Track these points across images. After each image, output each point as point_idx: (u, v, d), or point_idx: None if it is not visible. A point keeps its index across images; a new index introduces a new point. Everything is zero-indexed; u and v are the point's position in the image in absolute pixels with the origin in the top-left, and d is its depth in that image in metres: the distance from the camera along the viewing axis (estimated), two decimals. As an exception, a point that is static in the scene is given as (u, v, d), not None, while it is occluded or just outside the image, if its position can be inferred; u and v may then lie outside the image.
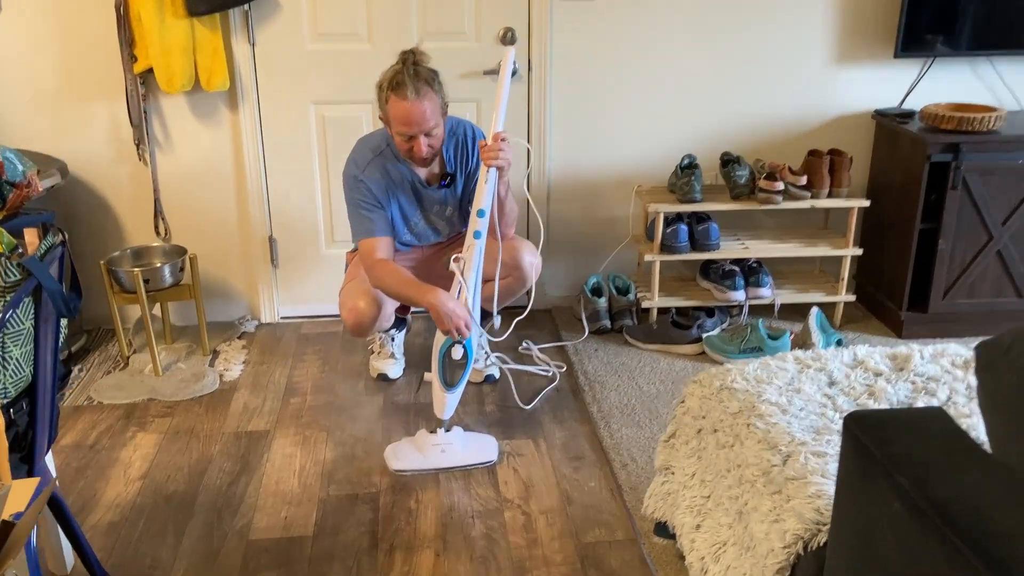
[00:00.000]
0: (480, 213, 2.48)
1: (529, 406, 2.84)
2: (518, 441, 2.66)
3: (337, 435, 2.70)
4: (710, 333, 3.21)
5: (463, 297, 2.48)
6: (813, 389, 1.85)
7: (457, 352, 2.49)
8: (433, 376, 2.53)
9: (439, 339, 2.50)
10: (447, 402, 2.53)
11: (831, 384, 1.88)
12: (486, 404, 2.87)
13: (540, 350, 3.20)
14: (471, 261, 2.49)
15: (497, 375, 3.01)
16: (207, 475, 2.51)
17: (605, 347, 3.23)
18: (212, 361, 3.16)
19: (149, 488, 2.46)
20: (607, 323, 3.31)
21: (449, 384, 2.52)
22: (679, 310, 3.30)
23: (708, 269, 3.39)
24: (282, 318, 3.51)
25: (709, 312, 3.30)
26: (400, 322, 3.01)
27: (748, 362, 1.96)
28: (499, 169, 2.49)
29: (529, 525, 2.29)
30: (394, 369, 3.02)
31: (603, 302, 3.32)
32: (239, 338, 3.34)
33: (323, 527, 2.29)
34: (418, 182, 2.66)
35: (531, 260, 2.75)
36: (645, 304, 3.32)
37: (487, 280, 2.70)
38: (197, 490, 2.44)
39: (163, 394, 2.93)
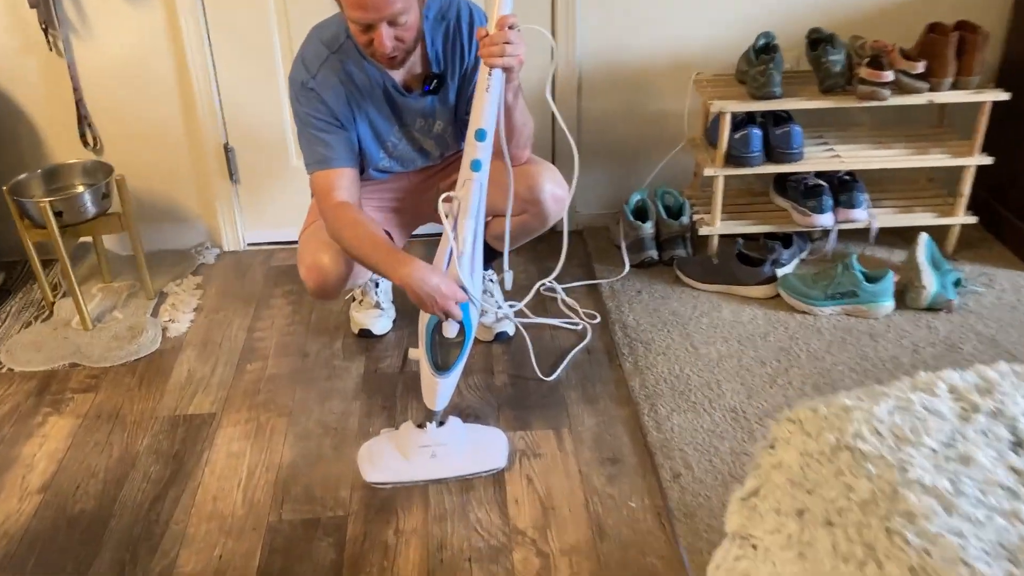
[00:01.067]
0: (479, 135, 1.75)
1: (551, 377, 2.19)
2: (535, 433, 2.02)
3: (301, 422, 2.08)
4: (786, 270, 2.50)
5: (454, 261, 1.79)
6: (990, 456, 1.16)
7: (450, 328, 1.83)
8: (421, 357, 1.88)
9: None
10: (439, 390, 1.89)
11: (1018, 444, 1.18)
12: (496, 374, 2.22)
13: (567, 291, 2.52)
14: (468, 203, 1.78)
15: (511, 332, 2.35)
16: (127, 485, 1.92)
17: (650, 287, 2.53)
18: (156, 308, 2.53)
19: (51, 506, 1.88)
20: (653, 254, 2.60)
21: (441, 368, 1.86)
22: (747, 237, 2.58)
23: (785, 183, 2.64)
24: (249, 245, 2.85)
25: (785, 240, 2.57)
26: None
27: (877, 398, 1.27)
28: (506, 70, 1.75)
29: (547, 573, 1.68)
30: (380, 323, 2.37)
31: (649, 227, 2.60)
32: (194, 273, 2.70)
33: (268, 573, 1.70)
34: (392, 87, 1.92)
35: (554, 191, 2.03)
36: (703, 231, 2.59)
37: (496, 215, 2.01)
38: (111, 509, 1.86)
39: (90, 357, 2.32)
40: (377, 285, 2.37)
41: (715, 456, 1.92)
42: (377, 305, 2.37)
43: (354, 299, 2.41)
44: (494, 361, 2.26)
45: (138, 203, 2.71)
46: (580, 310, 2.44)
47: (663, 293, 2.51)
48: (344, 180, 1.88)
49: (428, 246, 2.78)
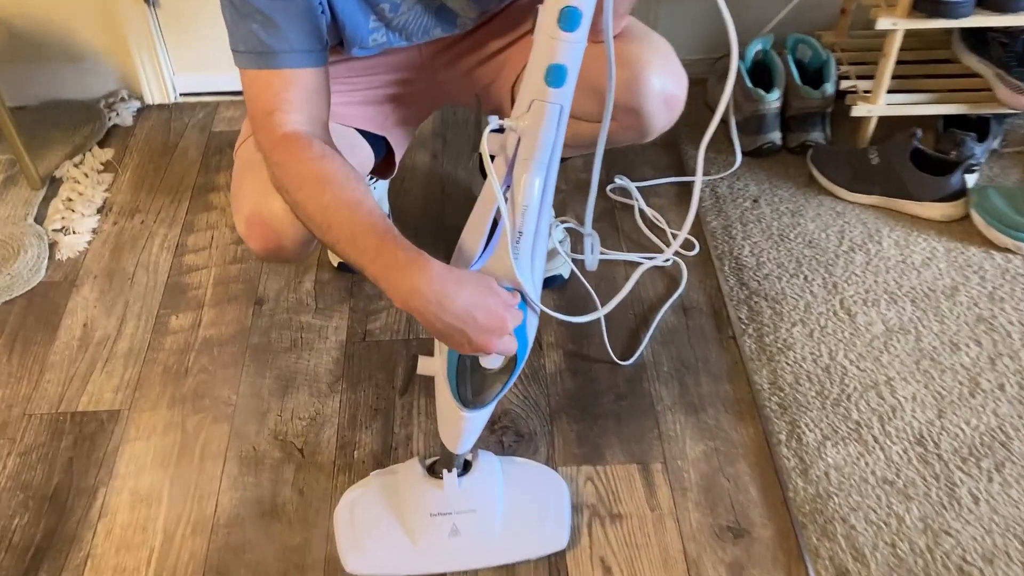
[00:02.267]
0: (568, 19, 0.88)
1: (630, 360, 1.44)
2: (612, 470, 1.30)
3: (248, 434, 1.35)
4: (977, 176, 1.68)
5: (503, 244, 0.98)
6: None
7: (492, 360, 1.05)
8: (438, 376, 1.12)
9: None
10: (465, 428, 1.14)
11: None
12: (546, 350, 1.47)
13: (644, 195, 1.71)
14: (536, 143, 0.95)
15: (566, 274, 1.57)
16: (-25, 555, 1.23)
17: (772, 192, 1.72)
18: (43, 207, 1.72)
19: None
20: (776, 138, 1.76)
21: (471, 403, 1.11)
22: (924, 121, 1.72)
23: (985, 36, 1.74)
24: (181, 96, 1.98)
25: (979, 128, 1.72)
26: (383, 167, 1.49)
27: None
28: None
29: None
30: (370, 253, 1.58)
31: (774, 98, 1.73)
32: (102, 144, 1.86)
33: None
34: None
35: (665, 89, 1.16)
36: (857, 111, 1.72)
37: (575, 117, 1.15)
38: (-54, 604, 1.19)
39: (-62, 295, 1.56)
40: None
41: (900, 535, 1.21)
42: (366, 225, 1.57)
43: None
44: (542, 327, 1.50)
45: (12, 37, 1.82)
46: (668, 230, 1.64)
47: (792, 203, 1.69)
48: (298, 90, 1.02)
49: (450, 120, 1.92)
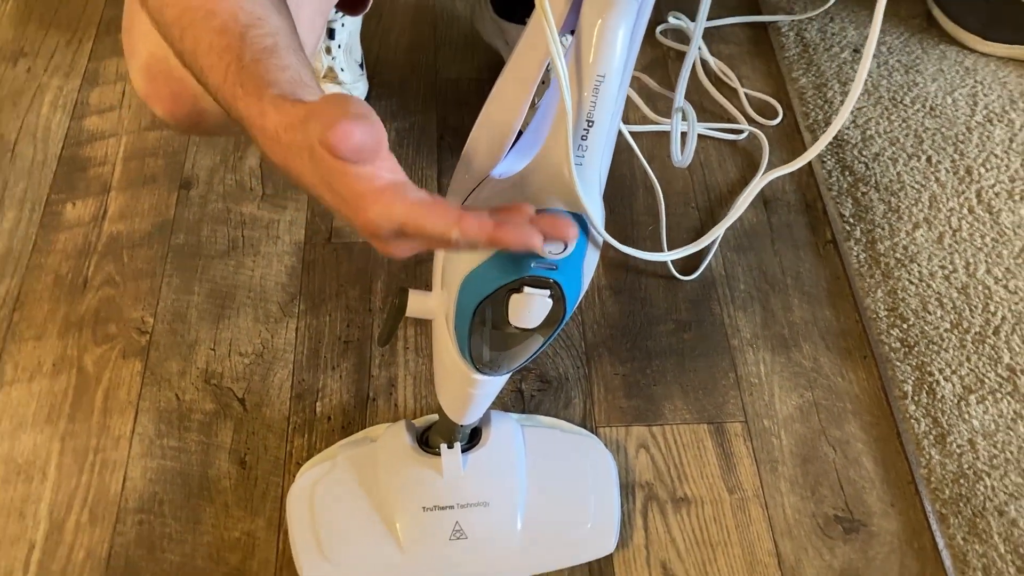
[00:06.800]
0: None
1: (693, 275, 1.05)
2: (674, 433, 0.94)
3: (168, 375, 0.97)
4: None
5: (561, 123, 0.58)
6: None
7: (528, 308, 0.65)
8: (439, 331, 0.73)
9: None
10: (475, 397, 0.76)
11: None
12: (580, 257, 1.08)
13: (708, 40, 1.27)
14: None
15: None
16: None
17: (881, 42, 1.26)
18: None
19: None
20: (883, -37, 1.32)
21: (488, 364, 0.72)
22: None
23: None
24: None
25: None
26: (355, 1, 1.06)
27: None
28: None
29: None
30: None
31: (887, -93, 1.28)
32: (-23, -39, 1.40)
33: None
34: None
35: None
36: (1005, -76, 1.28)
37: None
38: None
39: None
40: (331, 36, 1.12)
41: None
42: (332, 78, 1.14)
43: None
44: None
45: None
46: (741, 90, 1.22)
47: (906, 56, 1.27)
48: None
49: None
